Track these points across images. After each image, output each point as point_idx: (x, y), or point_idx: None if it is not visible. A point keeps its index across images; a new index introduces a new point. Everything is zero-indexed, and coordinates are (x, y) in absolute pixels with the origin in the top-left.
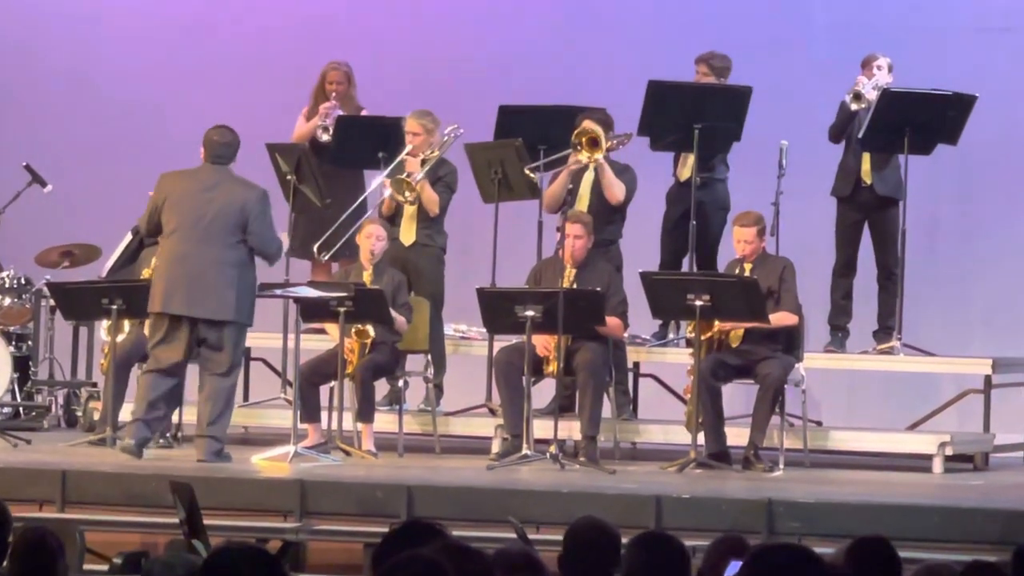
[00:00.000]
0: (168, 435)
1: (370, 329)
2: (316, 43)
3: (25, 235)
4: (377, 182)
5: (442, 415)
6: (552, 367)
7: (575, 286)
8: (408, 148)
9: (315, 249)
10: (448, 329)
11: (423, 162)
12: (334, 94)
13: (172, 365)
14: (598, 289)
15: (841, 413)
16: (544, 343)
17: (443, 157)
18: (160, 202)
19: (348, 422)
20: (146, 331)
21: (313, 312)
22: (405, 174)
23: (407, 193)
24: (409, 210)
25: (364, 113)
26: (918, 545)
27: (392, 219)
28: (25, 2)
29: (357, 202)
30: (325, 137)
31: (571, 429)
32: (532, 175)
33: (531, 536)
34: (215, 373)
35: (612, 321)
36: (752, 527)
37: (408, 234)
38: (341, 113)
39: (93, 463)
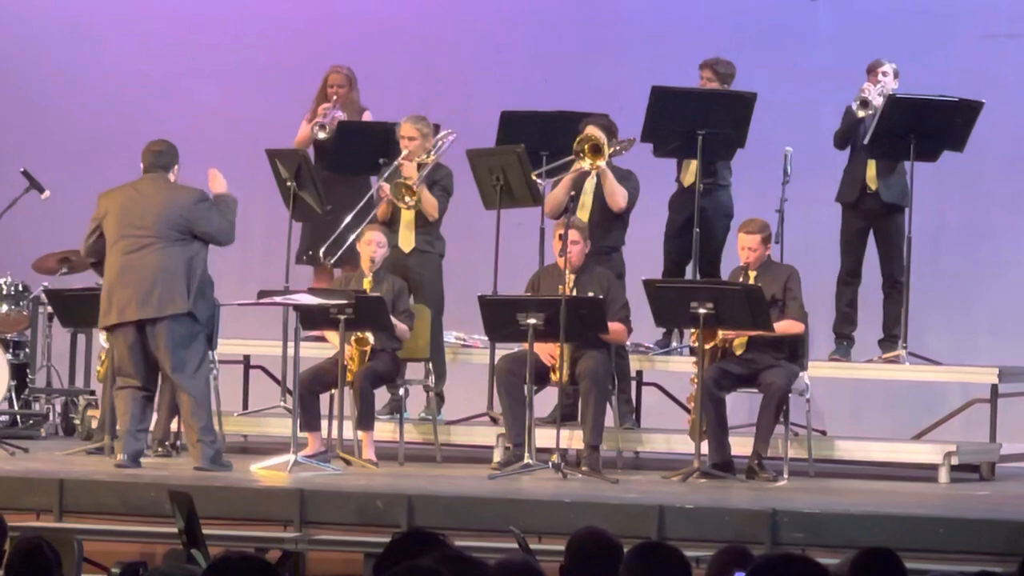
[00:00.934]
0: (167, 444)
1: (370, 337)
2: (320, 48)
3: (22, 241)
4: (375, 188)
5: (443, 424)
6: (557, 375)
7: (575, 292)
8: (404, 153)
9: (321, 253)
10: (449, 337)
11: (419, 166)
12: (335, 97)
13: (141, 376)
14: (599, 296)
15: (846, 422)
16: (549, 352)
17: (439, 161)
18: (101, 219)
19: (348, 431)
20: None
21: (313, 320)
22: (403, 178)
23: (407, 198)
24: (407, 216)
25: (367, 115)
26: (924, 556)
27: (389, 225)
28: (22, 6)
29: (358, 207)
30: (321, 135)
31: (573, 438)
32: (540, 181)
33: (533, 546)
34: (185, 376)
35: (615, 327)
36: (756, 537)
37: (407, 241)
38: (341, 115)
39: (91, 472)
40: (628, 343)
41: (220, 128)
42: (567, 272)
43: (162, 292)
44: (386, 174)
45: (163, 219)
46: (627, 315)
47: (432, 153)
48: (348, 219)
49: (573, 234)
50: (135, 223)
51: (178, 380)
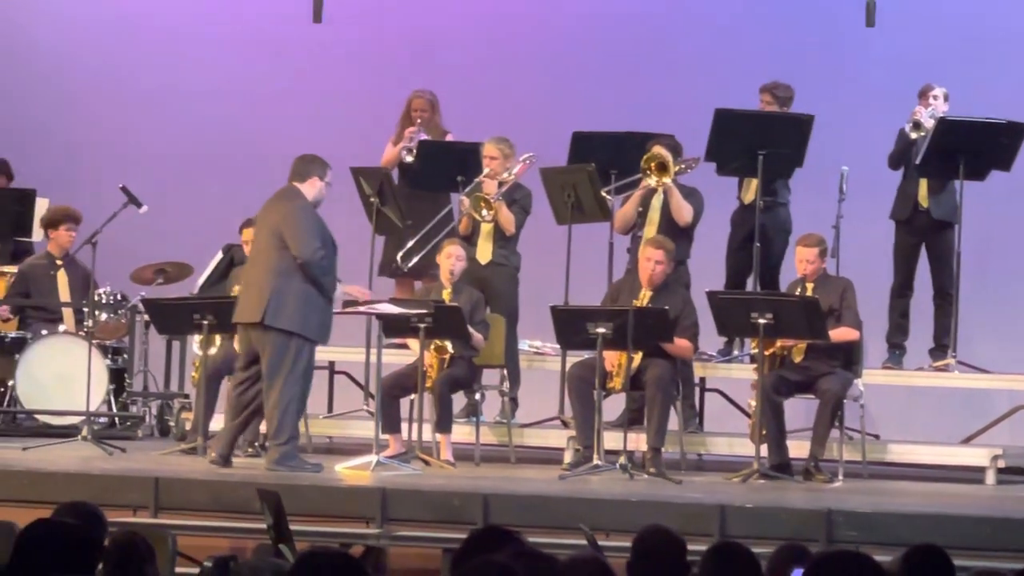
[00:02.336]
0: (256, 444)
1: (448, 344)
2: (402, 73)
3: (121, 254)
4: (455, 202)
5: (517, 427)
6: (615, 382)
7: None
8: (486, 171)
9: (398, 258)
10: (523, 345)
11: (499, 185)
12: (419, 120)
13: (243, 372)
14: (666, 308)
15: (898, 427)
16: (612, 359)
17: (518, 181)
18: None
19: (427, 433)
20: (236, 345)
21: (395, 328)
22: (482, 193)
23: (484, 211)
24: (485, 230)
25: (450, 137)
26: (971, 554)
27: (469, 239)
28: (120, 28)
29: (436, 219)
30: (409, 159)
31: (640, 441)
32: (609, 197)
33: (601, 543)
34: (267, 383)
35: (682, 343)
36: (812, 536)
37: (484, 253)
38: (425, 137)
39: (185, 471)
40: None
41: (306, 147)
42: (645, 288)
43: (257, 298)
44: (467, 190)
45: (273, 227)
46: (695, 333)
47: (512, 173)
48: (426, 230)
49: (659, 254)
50: (259, 229)
51: (267, 387)
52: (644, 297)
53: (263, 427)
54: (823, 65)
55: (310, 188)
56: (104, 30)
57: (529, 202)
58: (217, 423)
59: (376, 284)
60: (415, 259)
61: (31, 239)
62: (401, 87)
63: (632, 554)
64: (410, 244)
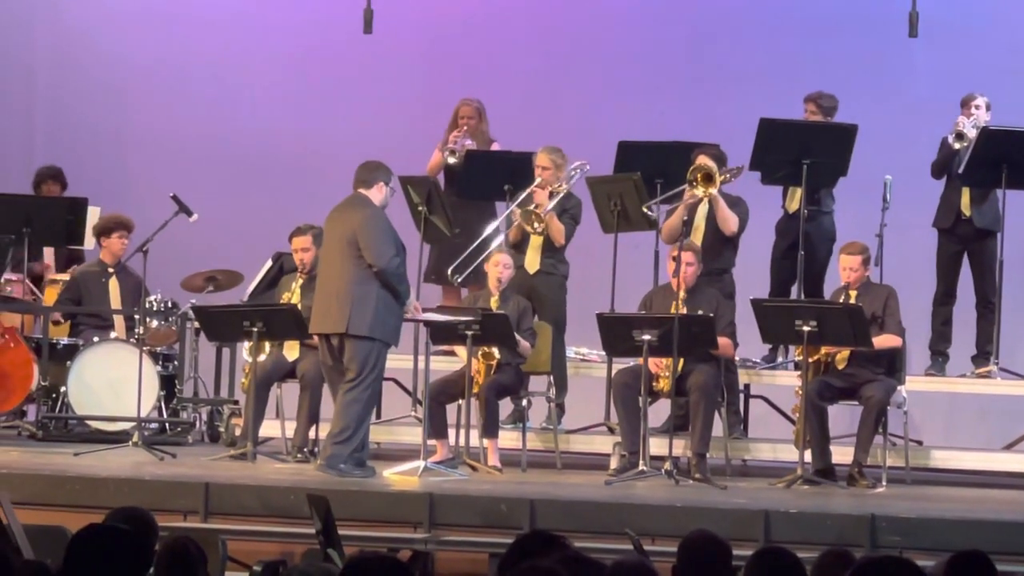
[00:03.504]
0: (305, 450)
1: (496, 351)
2: (449, 80)
3: (172, 262)
4: (507, 212)
5: (563, 433)
6: (662, 384)
7: (685, 310)
8: (537, 181)
9: (449, 272)
10: (569, 352)
11: (551, 195)
12: (465, 128)
13: (334, 382)
14: (710, 315)
15: (941, 433)
16: (656, 361)
17: (570, 191)
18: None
19: (474, 439)
20: (285, 352)
21: (442, 335)
22: (534, 205)
23: (536, 224)
24: (535, 240)
25: (495, 146)
26: (1015, 559)
27: (518, 247)
28: (168, 40)
29: (488, 230)
30: (451, 160)
31: (685, 447)
32: (651, 213)
33: (647, 548)
34: (343, 385)
35: (722, 341)
36: (856, 541)
37: (533, 262)
38: (471, 143)
39: (234, 476)
40: (736, 358)
41: (355, 157)
42: (680, 291)
43: (339, 308)
44: (520, 199)
45: (347, 235)
46: (733, 331)
47: (564, 182)
48: (478, 242)
49: (689, 256)
50: (331, 238)
51: (343, 394)
52: (680, 300)
53: (312, 432)
54: (867, 75)
55: (377, 194)
56: (157, 40)
57: (579, 212)
58: (267, 429)
59: (423, 291)
60: (467, 273)
61: (83, 247)
62: (449, 96)
63: (678, 559)
64: (459, 260)
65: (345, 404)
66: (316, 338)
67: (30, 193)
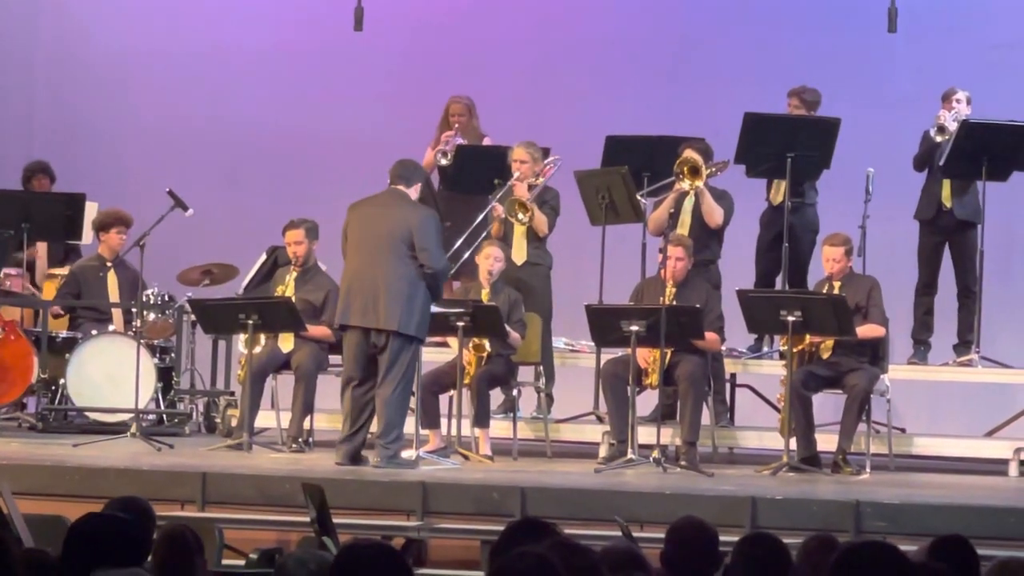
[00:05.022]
0: (299, 440)
1: (486, 343)
2: (439, 77)
3: (168, 256)
4: (488, 209)
5: (553, 422)
6: (651, 379)
7: (675, 303)
8: (516, 175)
9: None
10: (559, 342)
11: (530, 187)
12: (456, 125)
13: (360, 373)
14: (698, 306)
15: (923, 421)
16: (644, 355)
17: (547, 183)
18: (347, 228)
19: (466, 428)
20: (280, 344)
21: (434, 326)
22: (515, 198)
23: (520, 214)
24: (519, 232)
25: (487, 141)
26: (995, 543)
27: (503, 240)
28: (163, 37)
29: (473, 225)
30: (444, 162)
31: (673, 435)
32: (642, 200)
33: (635, 534)
34: (383, 382)
35: (710, 336)
36: (841, 526)
37: (520, 254)
38: (462, 141)
39: (231, 466)
40: (723, 349)
41: (347, 152)
42: (669, 284)
43: (387, 305)
44: (499, 195)
45: (397, 232)
46: (721, 326)
47: (541, 175)
48: (466, 234)
49: (679, 251)
50: (373, 232)
51: (386, 390)
52: (670, 293)
53: (307, 424)
54: (849, 70)
55: (414, 193)
56: (150, 36)
57: (558, 202)
58: (262, 420)
59: None
60: (458, 265)
61: (81, 242)
62: (440, 92)
63: (666, 544)
64: (451, 251)
65: (388, 402)
66: (341, 330)
67: (19, 189)
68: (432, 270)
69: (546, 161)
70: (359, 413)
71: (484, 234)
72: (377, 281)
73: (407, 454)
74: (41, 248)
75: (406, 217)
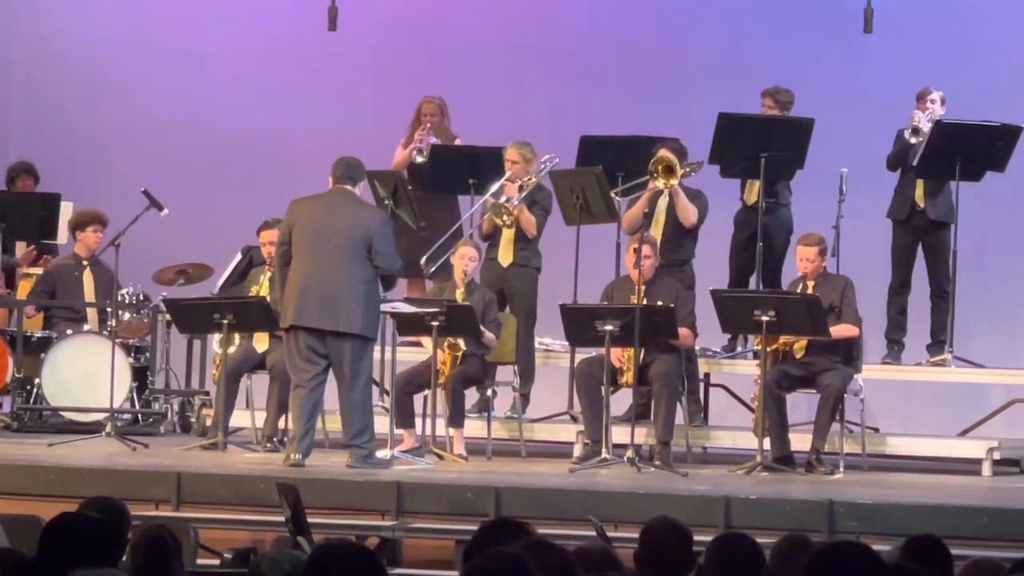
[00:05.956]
0: (274, 439)
1: (461, 342)
2: (414, 76)
3: (143, 255)
4: (482, 201)
5: (527, 422)
6: (626, 378)
7: (645, 301)
8: (507, 174)
9: (422, 262)
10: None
11: (520, 188)
12: (428, 125)
13: (313, 377)
14: (671, 305)
15: (897, 420)
16: (619, 354)
17: (539, 183)
18: (290, 225)
19: (441, 428)
20: (254, 344)
21: (409, 326)
22: (504, 199)
23: (504, 218)
24: (507, 233)
25: (457, 142)
26: (968, 543)
27: (491, 239)
28: (137, 36)
29: (457, 224)
30: (420, 159)
31: (647, 435)
32: (617, 198)
33: (610, 534)
34: (350, 385)
35: (683, 331)
36: (814, 526)
37: (506, 255)
38: (435, 141)
39: (206, 466)
40: (696, 348)
41: (322, 152)
42: (639, 283)
43: (348, 307)
44: (492, 190)
45: (354, 234)
46: (693, 321)
47: (534, 175)
48: (450, 232)
49: (646, 249)
50: (327, 233)
51: (349, 392)
52: (640, 291)
53: (282, 423)
54: (823, 70)
55: (359, 191)
56: (126, 36)
57: (550, 203)
58: (237, 419)
59: None
60: (438, 264)
61: (56, 242)
62: (413, 93)
63: (640, 544)
64: (431, 250)
65: (356, 404)
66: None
67: (2, 189)
68: (388, 273)
69: (540, 160)
70: (312, 413)
71: (470, 232)
72: (336, 283)
73: (382, 454)
74: (20, 249)
75: (362, 219)
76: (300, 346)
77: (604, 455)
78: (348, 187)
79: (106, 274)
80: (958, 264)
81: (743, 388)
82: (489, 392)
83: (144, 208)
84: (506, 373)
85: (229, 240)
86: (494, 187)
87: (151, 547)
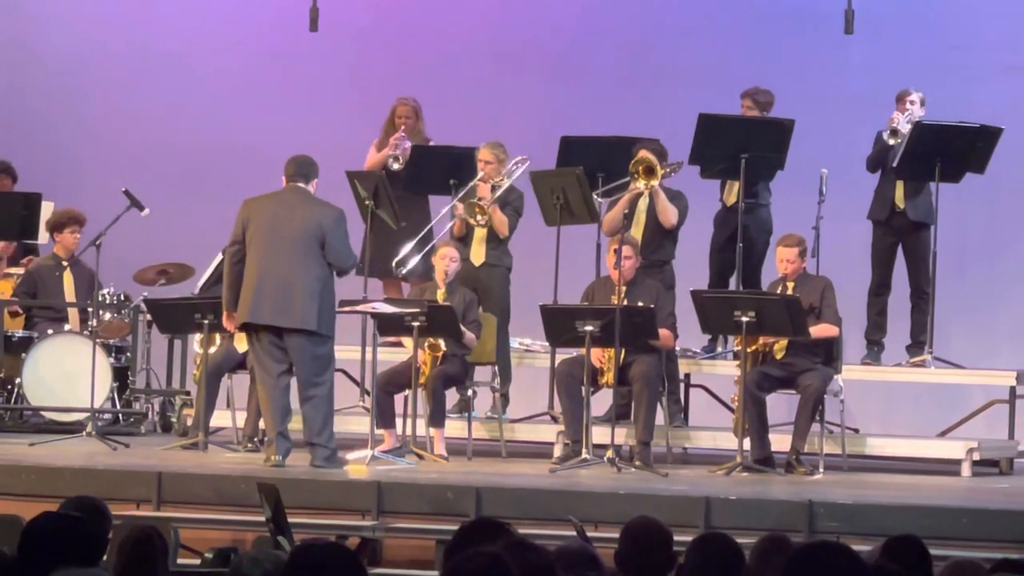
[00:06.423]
0: (255, 439)
1: (442, 343)
2: (394, 77)
3: (124, 255)
4: (450, 205)
5: (508, 422)
6: (606, 378)
7: (626, 302)
8: (480, 175)
9: (393, 264)
10: (514, 342)
11: (493, 188)
12: (403, 127)
13: (280, 375)
14: (651, 305)
15: (876, 421)
16: (599, 355)
17: (512, 184)
18: (244, 223)
19: (421, 428)
20: (235, 343)
21: (390, 327)
22: (477, 198)
23: (478, 216)
24: (479, 233)
25: (432, 143)
26: (948, 543)
27: (463, 240)
28: (118, 37)
29: (431, 224)
30: (396, 166)
31: (627, 435)
32: (598, 199)
33: (590, 534)
34: (308, 382)
35: (663, 332)
36: (794, 526)
37: (478, 255)
38: (410, 143)
39: (186, 465)
40: (677, 348)
41: (302, 151)
42: (620, 284)
43: (303, 304)
44: (462, 193)
45: (309, 231)
46: (673, 322)
47: (506, 176)
48: (422, 235)
49: (627, 250)
50: (281, 231)
51: (311, 390)
52: (620, 292)
53: (262, 423)
54: (803, 71)
55: (313, 189)
56: (107, 37)
57: (521, 204)
58: (218, 419)
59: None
60: (411, 264)
61: (37, 242)
62: (394, 93)
63: (620, 544)
64: (403, 252)
65: (315, 402)
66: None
67: None
68: (341, 269)
69: (512, 161)
70: (284, 412)
71: (443, 232)
72: (290, 280)
73: (362, 453)
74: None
75: (316, 216)
76: (263, 344)
77: (584, 455)
78: (301, 184)
79: (86, 274)
80: (938, 265)
81: (723, 389)
82: (469, 392)
83: (125, 208)
84: (483, 373)
85: (210, 240)
86: (466, 188)
87: (138, 547)
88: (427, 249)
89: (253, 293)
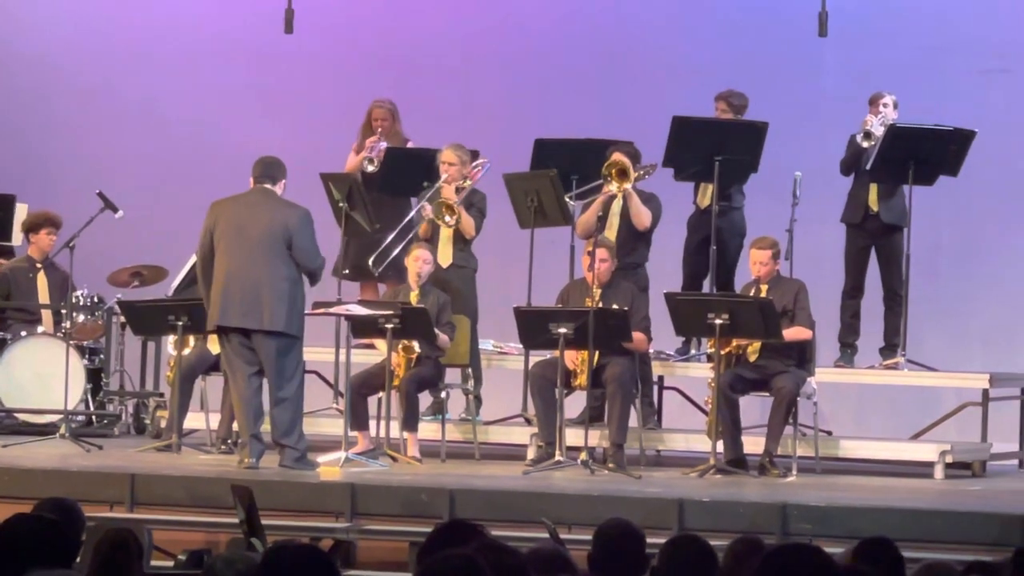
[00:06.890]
0: (228, 441)
1: (415, 345)
2: (369, 79)
3: (98, 257)
4: (417, 208)
5: (481, 424)
6: (580, 380)
7: (600, 305)
8: (444, 177)
9: (370, 262)
10: (487, 344)
11: (457, 190)
12: (380, 129)
13: (251, 376)
14: (625, 308)
15: (850, 423)
16: (573, 357)
17: (474, 186)
18: (211, 226)
19: (395, 430)
20: (209, 345)
21: (363, 329)
22: (442, 199)
23: (447, 217)
24: (445, 234)
25: (410, 144)
26: (921, 546)
27: (429, 242)
28: (93, 38)
29: (401, 224)
30: (371, 168)
31: (600, 437)
32: (571, 202)
33: (563, 536)
34: (276, 384)
35: (637, 336)
36: (767, 528)
37: (445, 256)
38: (386, 145)
39: (160, 467)
40: (650, 350)
41: (277, 154)
42: (595, 286)
43: (272, 306)
44: (427, 196)
45: (275, 232)
46: (647, 326)
47: (469, 178)
48: (394, 234)
49: (602, 253)
50: (248, 232)
51: (281, 392)
52: (595, 295)
53: (235, 425)
54: (777, 74)
55: (280, 190)
56: (82, 38)
57: (485, 205)
58: (191, 421)
59: (342, 287)
60: (385, 264)
61: (11, 244)
62: (370, 95)
63: (593, 546)
64: (379, 250)
65: (284, 403)
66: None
67: None
68: (308, 269)
69: (474, 164)
70: (257, 414)
71: (411, 235)
72: (258, 282)
73: (336, 455)
74: None
75: (282, 217)
76: (233, 345)
77: (558, 457)
78: (268, 186)
79: (60, 276)
80: (911, 268)
81: (697, 391)
82: (443, 394)
83: (99, 210)
84: (454, 375)
85: (184, 242)
86: (430, 191)
87: (114, 550)
88: (399, 250)
89: (221, 296)
